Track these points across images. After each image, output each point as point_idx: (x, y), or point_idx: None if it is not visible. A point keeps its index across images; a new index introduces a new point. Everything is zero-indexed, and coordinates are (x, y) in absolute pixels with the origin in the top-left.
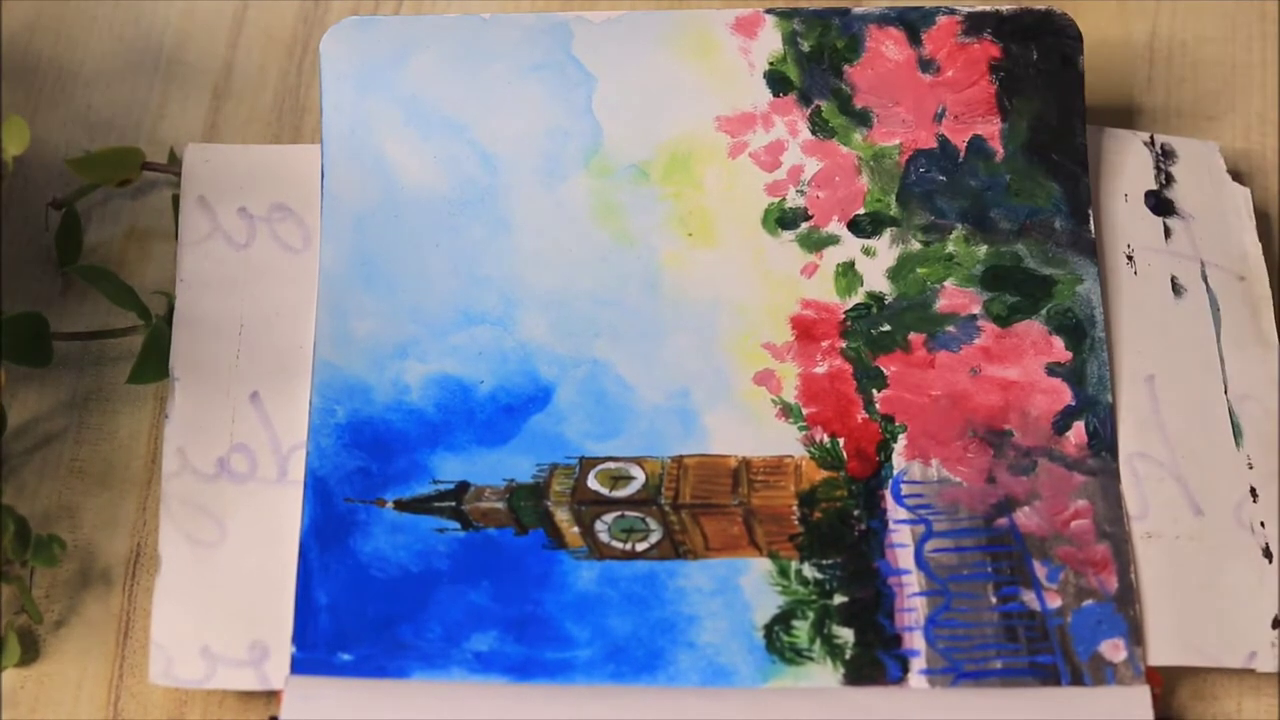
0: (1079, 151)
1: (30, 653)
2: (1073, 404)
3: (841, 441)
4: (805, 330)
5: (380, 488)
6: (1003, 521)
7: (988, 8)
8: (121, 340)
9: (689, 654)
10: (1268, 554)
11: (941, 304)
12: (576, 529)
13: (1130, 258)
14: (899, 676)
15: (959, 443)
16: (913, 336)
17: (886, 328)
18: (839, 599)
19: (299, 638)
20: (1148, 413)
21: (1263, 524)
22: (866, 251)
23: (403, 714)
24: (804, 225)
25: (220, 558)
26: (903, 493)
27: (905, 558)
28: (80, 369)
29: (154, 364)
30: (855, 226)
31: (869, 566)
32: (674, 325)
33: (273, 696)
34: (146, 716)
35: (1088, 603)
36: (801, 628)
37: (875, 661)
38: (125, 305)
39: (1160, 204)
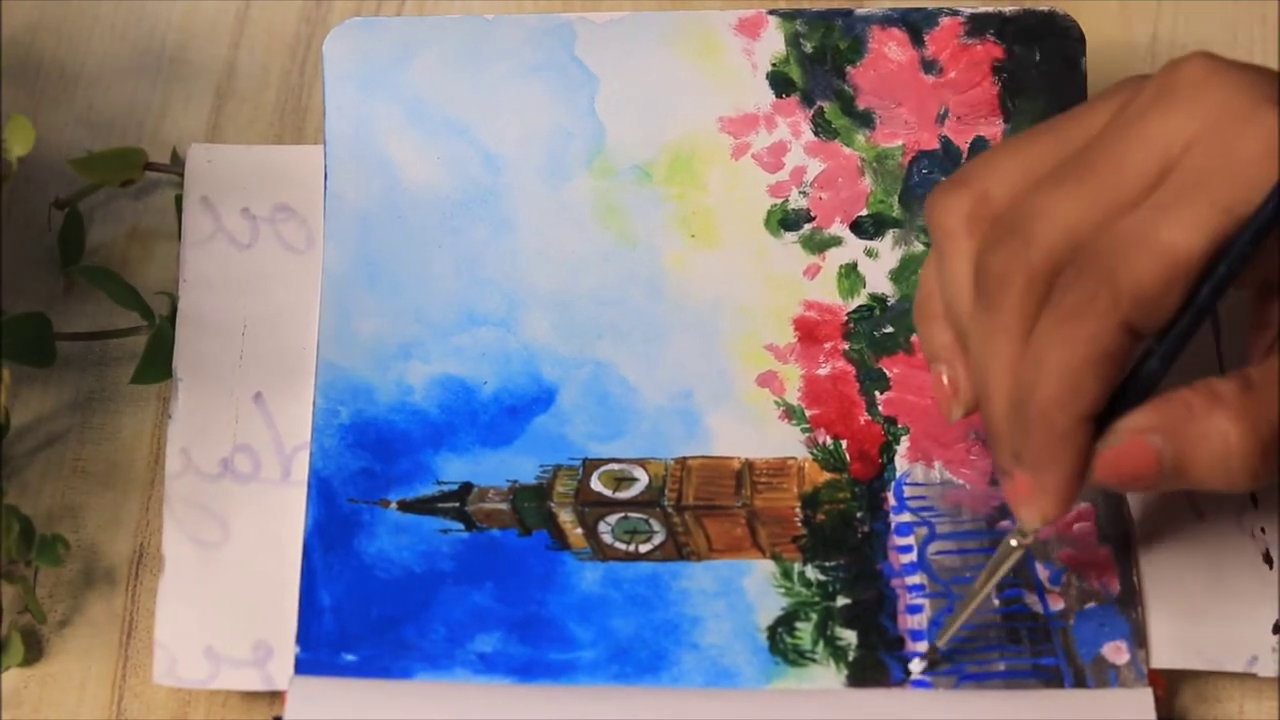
0: None
1: (33, 653)
2: None
3: (844, 443)
4: (808, 332)
5: (384, 488)
6: (1006, 524)
7: (990, 9)
8: (124, 340)
9: (692, 655)
10: (1268, 560)
11: None
12: (580, 530)
13: None
14: (902, 678)
15: (961, 445)
16: (915, 338)
17: (889, 329)
18: (842, 601)
19: (303, 638)
20: None
21: (1263, 530)
22: (869, 253)
23: (407, 714)
24: (806, 226)
25: (224, 558)
26: (905, 495)
27: (908, 560)
28: (83, 369)
29: (157, 364)
30: (858, 228)
31: (872, 568)
32: (677, 326)
33: (276, 697)
34: (150, 717)
35: (1090, 605)
36: (804, 629)
37: (878, 663)
38: (128, 305)
39: None
